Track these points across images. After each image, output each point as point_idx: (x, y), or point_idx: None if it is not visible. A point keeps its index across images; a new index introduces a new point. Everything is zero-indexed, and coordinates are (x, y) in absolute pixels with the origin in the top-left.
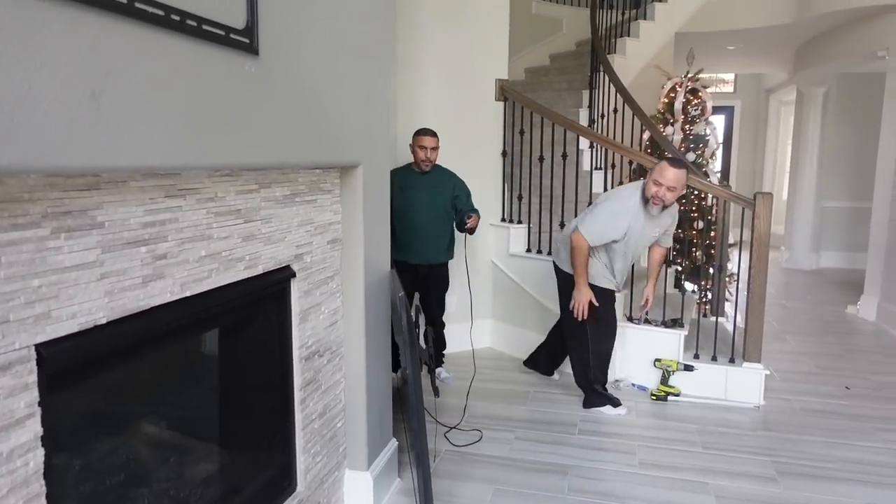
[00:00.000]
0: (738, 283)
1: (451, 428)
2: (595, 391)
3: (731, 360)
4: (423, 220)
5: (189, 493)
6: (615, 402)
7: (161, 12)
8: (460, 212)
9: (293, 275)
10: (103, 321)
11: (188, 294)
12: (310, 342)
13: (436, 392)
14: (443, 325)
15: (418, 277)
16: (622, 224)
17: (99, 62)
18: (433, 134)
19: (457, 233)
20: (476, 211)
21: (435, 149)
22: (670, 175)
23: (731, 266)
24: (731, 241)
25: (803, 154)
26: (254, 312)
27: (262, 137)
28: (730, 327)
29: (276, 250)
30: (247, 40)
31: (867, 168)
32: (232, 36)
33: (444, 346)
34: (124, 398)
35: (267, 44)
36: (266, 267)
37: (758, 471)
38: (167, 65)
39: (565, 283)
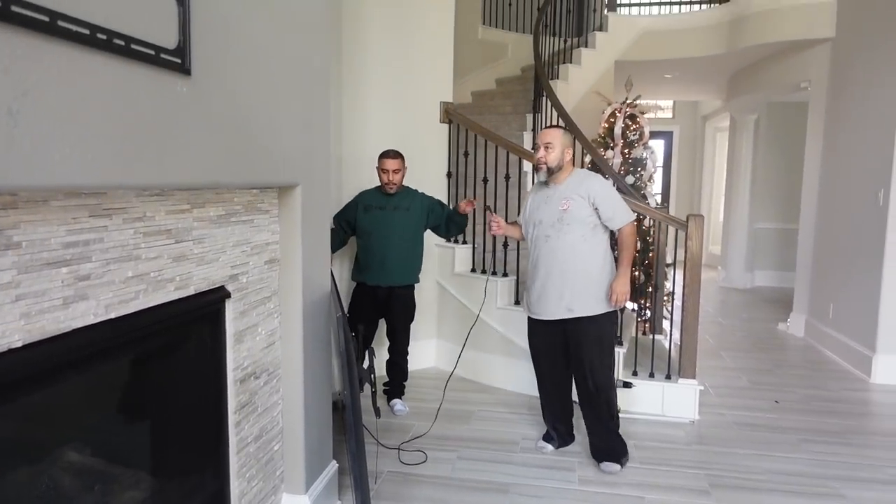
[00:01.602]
0: (673, 302)
1: (395, 449)
2: (622, 441)
3: (668, 377)
4: (386, 242)
5: None
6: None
7: (87, 31)
8: (445, 217)
9: (228, 295)
10: (18, 344)
11: (113, 315)
12: (245, 364)
13: (377, 413)
14: (405, 353)
15: (378, 300)
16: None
17: (16, 81)
18: (396, 156)
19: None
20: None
21: (398, 171)
22: (543, 133)
23: (669, 285)
24: (668, 260)
25: (737, 178)
26: (186, 334)
27: (194, 157)
28: (667, 345)
29: (210, 271)
30: (178, 60)
31: (795, 191)
32: (163, 56)
33: (405, 376)
34: (46, 424)
35: (200, 64)
36: (198, 288)
37: (692, 484)
38: (93, 84)
39: (595, 326)
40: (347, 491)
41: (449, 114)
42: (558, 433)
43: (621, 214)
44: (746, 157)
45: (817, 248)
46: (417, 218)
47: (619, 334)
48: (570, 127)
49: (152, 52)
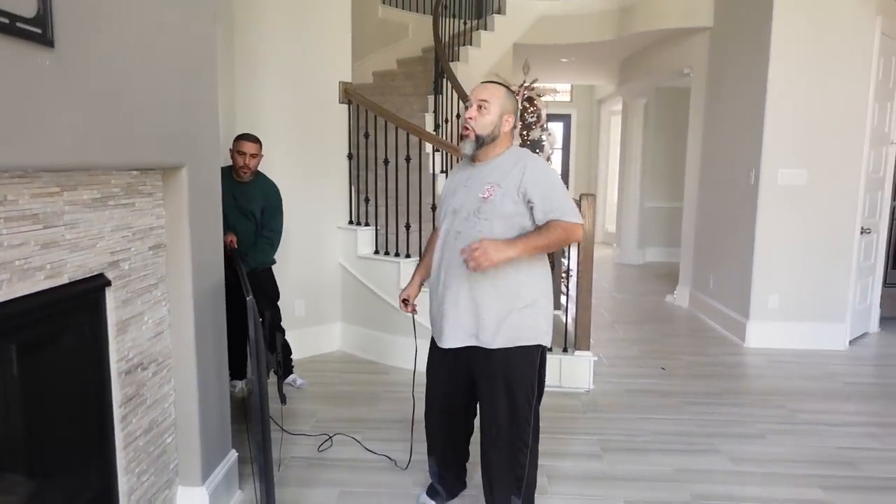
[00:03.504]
0: (569, 279)
1: (299, 435)
2: None
3: (565, 350)
4: (235, 229)
5: None
6: None
7: None
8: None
9: (108, 283)
10: None
11: None
12: (130, 355)
13: (282, 399)
14: (282, 330)
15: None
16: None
17: None
18: (255, 140)
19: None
20: (273, 231)
21: (255, 156)
22: (479, 89)
23: (566, 262)
24: None
25: (629, 159)
26: (62, 325)
27: (61, 136)
28: (564, 319)
29: (86, 258)
30: (38, 30)
31: (681, 172)
32: (19, 25)
33: (289, 351)
34: None
35: (65, 34)
36: (73, 276)
37: (585, 449)
38: None
39: (505, 363)
40: (248, 480)
41: (348, 94)
42: (444, 483)
43: (562, 208)
44: (637, 140)
45: (699, 224)
46: (258, 211)
47: (542, 382)
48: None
49: (6, 21)
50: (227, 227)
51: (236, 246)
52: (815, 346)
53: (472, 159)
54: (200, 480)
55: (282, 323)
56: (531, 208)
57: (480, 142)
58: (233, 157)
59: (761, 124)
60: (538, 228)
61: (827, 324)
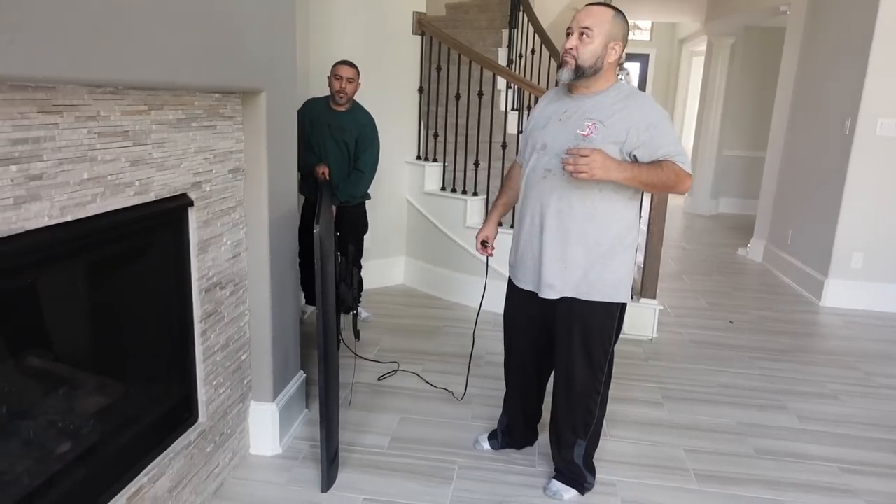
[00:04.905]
0: (639, 226)
1: (370, 361)
2: (591, 467)
3: (631, 297)
4: (328, 160)
5: (80, 425)
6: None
7: None
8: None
9: (190, 203)
10: None
11: (69, 218)
12: (210, 274)
13: (357, 335)
14: (360, 267)
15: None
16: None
17: None
18: (352, 65)
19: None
20: (365, 164)
21: (352, 80)
22: (582, 13)
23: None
24: None
25: (709, 104)
26: (148, 241)
27: (149, 54)
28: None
29: (171, 177)
30: None
31: (765, 119)
32: None
33: (362, 287)
34: (2, 327)
35: None
36: (159, 194)
37: (646, 396)
38: None
39: (588, 315)
40: (314, 400)
41: (422, 25)
42: (508, 437)
43: (676, 151)
44: (720, 83)
45: (782, 175)
46: (352, 141)
47: (619, 331)
48: (546, 44)
49: None
50: (322, 157)
51: (328, 178)
52: None
53: (570, 89)
54: (272, 397)
55: (362, 259)
56: (634, 154)
57: (580, 72)
58: (330, 84)
59: (864, 69)
60: (651, 163)
61: None
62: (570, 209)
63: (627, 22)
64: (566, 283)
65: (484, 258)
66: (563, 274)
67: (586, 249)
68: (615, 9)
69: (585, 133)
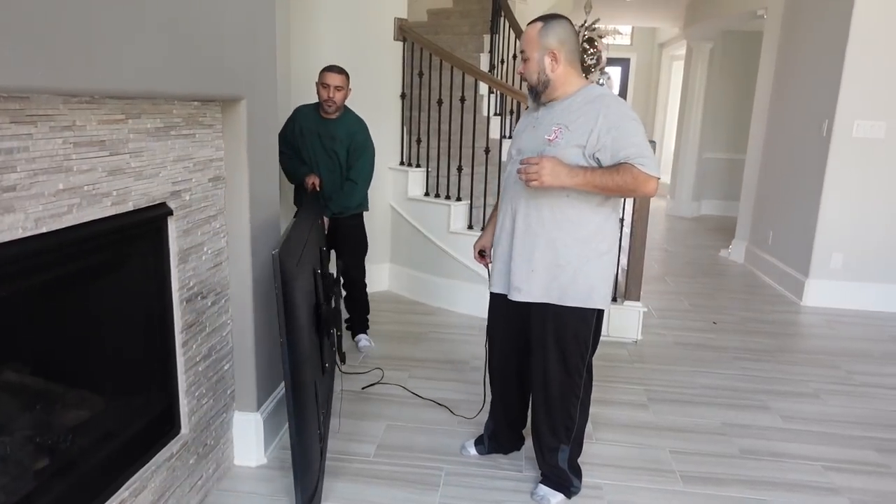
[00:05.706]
0: (622, 229)
1: (353, 373)
2: (576, 469)
3: (614, 299)
4: (319, 171)
5: (58, 440)
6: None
7: None
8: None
9: (170, 212)
10: None
11: (45, 230)
12: (191, 283)
13: (342, 358)
14: (363, 286)
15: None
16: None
17: None
18: (340, 71)
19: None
20: (358, 173)
21: (340, 88)
22: (522, 38)
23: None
24: None
25: (689, 107)
26: (127, 251)
27: (125, 63)
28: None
29: (150, 186)
30: None
31: (744, 122)
32: None
33: (367, 309)
34: None
35: None
36: (137, 204)
37: (631, 399)
38: None
39: (559, 319)
40: None
41: (403, 31)
42: (495, 442)
43: (638, 154)
44: (700, 87)
45: (762, 177)
46: (344, 151)
47: (598, 336)
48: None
49: None
50: (313, 167)
51: (319, 189)
52: (877, 308)
53: (542, 102)
54: (255, 407)
55: (365, 279)
56: (596, 155)
57: (534, 90)
58: (318, 92)
59: (839, 72)
60: (607, 167)
61: (892, 285)
62: (539, 214)
63: (564, 24)
64: (532, 286)
65: (479, 266)
66: (530, 277)
67: (554, 254)
68: (545, 18)
69: (551, 138)
